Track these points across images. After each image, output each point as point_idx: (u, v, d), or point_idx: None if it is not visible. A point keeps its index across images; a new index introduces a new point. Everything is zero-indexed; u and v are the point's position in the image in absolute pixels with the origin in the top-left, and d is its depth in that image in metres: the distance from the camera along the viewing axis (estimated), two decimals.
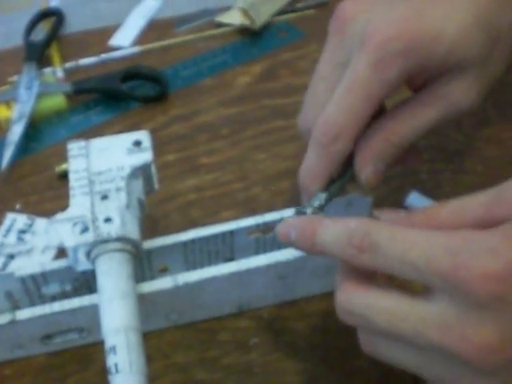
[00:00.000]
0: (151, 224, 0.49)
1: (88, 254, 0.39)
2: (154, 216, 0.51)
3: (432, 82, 0.40)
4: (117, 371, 0.35)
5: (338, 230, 0.33)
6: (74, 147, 0.43)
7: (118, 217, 0.40)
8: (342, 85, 0.38)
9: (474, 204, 0.34)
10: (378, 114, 0.40)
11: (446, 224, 0.34)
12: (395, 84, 0.38)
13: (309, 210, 0.39)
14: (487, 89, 0.41)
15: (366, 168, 0.40)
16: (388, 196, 0.52)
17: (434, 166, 0.55)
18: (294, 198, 0.52)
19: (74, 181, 0.41)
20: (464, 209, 0.34)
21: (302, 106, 0.42)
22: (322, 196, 0.40)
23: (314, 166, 0.40)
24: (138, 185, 0.43)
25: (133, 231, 0.40)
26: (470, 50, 0.38)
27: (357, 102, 0.37)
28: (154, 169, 0.44)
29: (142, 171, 0.43)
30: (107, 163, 0.42)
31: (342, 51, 0.39)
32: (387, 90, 0.38)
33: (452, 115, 0.40)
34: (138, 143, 0.43)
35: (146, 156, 0.43)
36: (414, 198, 0.51)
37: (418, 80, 0.41)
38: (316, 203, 0.40)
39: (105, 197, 0.41)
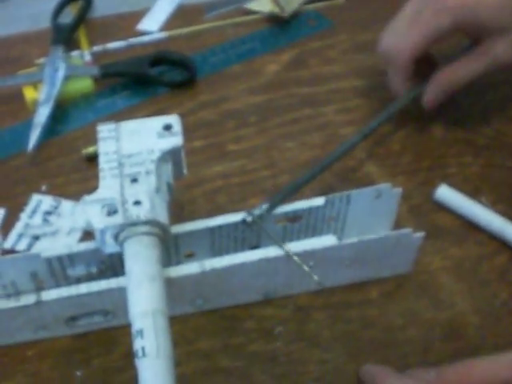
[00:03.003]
0: (177, 209, 0.49)
1: (116, 237, 0.39)
2: (181, 201, 0.51)
3: (480, 42, 0.53)
4: (144, 355, 0.34)
5: None
6: (104, 129, 0.43)
7: (147, 200, 0.39)
8: (412, 24, 0.53)
9: (503, 365, 0.37)
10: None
11: None
12: (445, 30, 0.52)
13: (249, 218, 0.43)
14: None
15: (429, 94, 0.54)
16: (416, 189, 0.52)
17: (463, 159, 0.55)
18: (320, 187, 0.52)
19: (103, 163, 0.41)
20: (494, 370, 0.37)
21: (384, 34, 0.55)
22: (264, 206, 0.44)
23: (392, 76, 0.56)
24: (168, 169, 0.42)
25: (162, 215, 0.40)
26: (506, 18, 0.51)
27: (417, 35, 0.53)
28: (183, 153, 0.43)
29: (171, 155, 0.43)
30: (137, 146, 0.42)
31: (421, 3, 0.53)
32: (438, 33, 0.52)
33: (495, 67, 0.53)
34: (168, 127, 0.43)
35: (176, 140, 0.43)
36: (443, 192, 0.51)
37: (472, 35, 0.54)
38: (257, 212, 0.43)
39: (134, 180, 0.40)
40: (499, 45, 0.52)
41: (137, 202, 0.39)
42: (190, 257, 0.45)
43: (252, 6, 0.69)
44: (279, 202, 0.44)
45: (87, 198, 0.40)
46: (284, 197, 0.45)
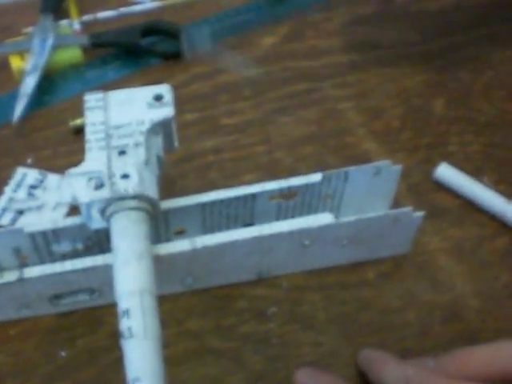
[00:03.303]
0: (168, 184, 0.47)
1: (103, 212, 0.37)
2: (171, 176, 0.49)
3: None
4: (130, 335, 0.33)
5: (397, 373, 0.36)
6: (91, 99, 0.41)
7: (135, 173, 0.37)
8: None
9: (502, 353, 0.35)
10: None
11: (476, 374, 0.35)
12: None
13: None
14: None
15: None
16: (416, 166, 0.50)
17: (464, 138, 0.53)
18: (317, 164, 0.50)
19: (90, 134, 0.39)
20: (493, 358, 0.36)
21: None
22: None
23: None
24: (158, 141, 0.41)
25: (151, 189, 0.38)
26: None
27: None
28: (174, 125, 0.42)
29: (162, 127, 0.41)
30: (126, 117, 0.40)
31: None
32: None
33: None
34: (159, 97, 0.41)
35: (167, 111, 0.41)
36: (443, 171, 0.49)
37: None
38: None
39: (122, 152, 0.39)
40: None
41: (125, 176, 0.37)
42: (181, 234, 0.43)
43: None
44: None
45: (73, 170, 0.38)
46: None
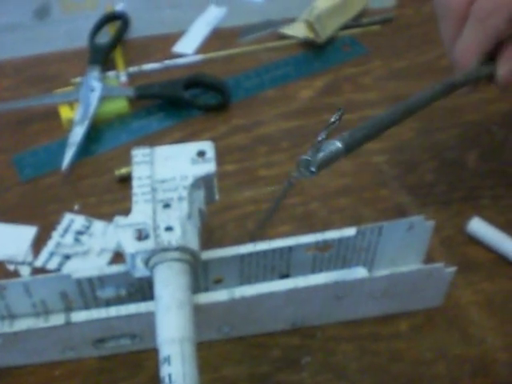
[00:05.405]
0: (207, 233, 0.49)
1: (147, 262, 0.39)
2: (210, 226, 0.51)
3: None
4: (170, 382, 0.34)
5: None
6: (139, 154, 0.43)
7: (179, 226, 0.39)
8: None
9: None
10: None
11: None
12: None
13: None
14: None
15: (505, 66, 0.45)
16: (448, 220, 0.51)
17: (497, 191, 0.54)
18: (351, 216, 0.52)
19: (137, 187, 0.42)
20: None
21: None
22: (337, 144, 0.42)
23: (470, 42, 0.45)
24: (200, 195, 0.43)
25: (193, 241, 0.40)
26: None
27: None
28: (215, 180, 0.44)
29: (204, 181, 0.43)
30: (171, 172, 0.42)
31: None
32: None
33: None
34: (201, 153, 0.43)
35: (209, 167, 0.43)
36: (475, 225, 0.50)
37: None
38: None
39: (167, 205, 0.41)
40: None
41: (168, 228, 0.40)
42: (219, 282, 0.45)
43: (287, 30, 0.69)
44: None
45: (120, 221, 0.40)
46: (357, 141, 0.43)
